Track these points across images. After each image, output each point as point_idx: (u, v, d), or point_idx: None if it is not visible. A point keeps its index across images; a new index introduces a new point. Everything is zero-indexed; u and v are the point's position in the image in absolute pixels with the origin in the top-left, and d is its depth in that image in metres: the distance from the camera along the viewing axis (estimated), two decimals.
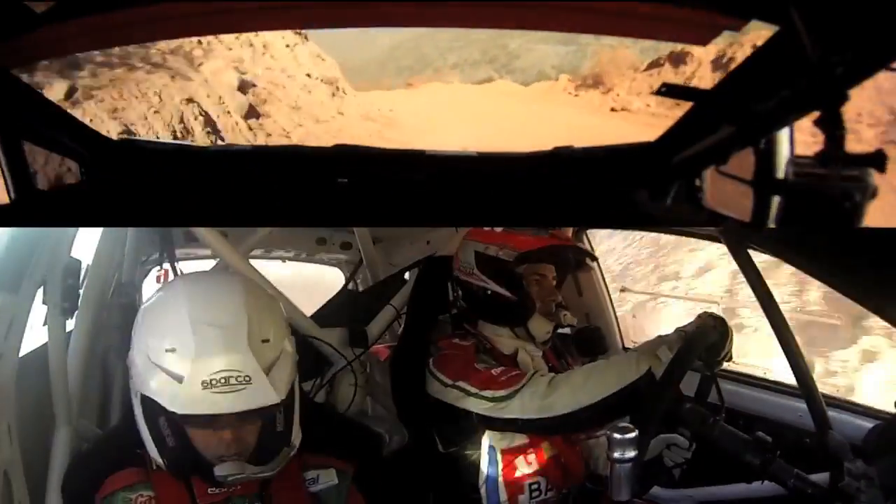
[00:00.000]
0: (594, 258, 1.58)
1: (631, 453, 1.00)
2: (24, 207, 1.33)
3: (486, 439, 1.34)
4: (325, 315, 1.70)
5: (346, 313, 1.70)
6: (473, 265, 1.43)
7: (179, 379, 0.92)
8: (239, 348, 0.94)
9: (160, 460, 1.00)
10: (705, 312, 1.22)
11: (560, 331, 1.58)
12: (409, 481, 1.55)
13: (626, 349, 2.09)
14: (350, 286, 2.63)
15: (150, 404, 0.97)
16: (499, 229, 1.44)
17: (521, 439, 1.34)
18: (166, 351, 0.95)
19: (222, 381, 0.91)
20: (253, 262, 1.79)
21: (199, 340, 0.93)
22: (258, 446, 1.01)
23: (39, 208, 1.35)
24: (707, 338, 1.15)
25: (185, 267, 1.90)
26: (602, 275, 2.10)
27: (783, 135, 1.05)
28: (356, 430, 1.35)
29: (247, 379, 0.92)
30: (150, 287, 2.09)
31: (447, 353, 1.39)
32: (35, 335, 1.31)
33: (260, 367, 0.94)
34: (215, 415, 0.93)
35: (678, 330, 1.17)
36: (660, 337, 1.18)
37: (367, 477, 1.21)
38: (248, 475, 0.98)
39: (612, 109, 14.42)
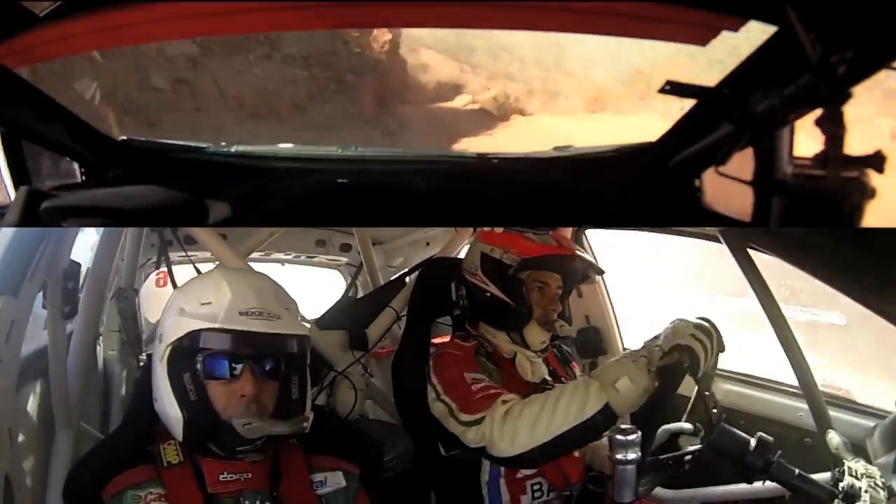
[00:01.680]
0: (600, 272, 1.53)
1: (633, 454, 1.00)
2: (24, 207, 1.32)
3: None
4: (325, 319, 1.70)
5: (346, 317, 1.70)
6: (478, 266, 1.43)
7: (216, 314, 1.01)
8: (269, 298, 1.06)
9: (179, 418, 1.01)
10: (680, 322, 1.12)
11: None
12: (412, 483, 1.55)
13: (625, 351, 2.09)
14: (353, 292, 2.64)
15: (179, 355, 1.02)
16: (499, 230, 1.43)
17: None
18: (202, 304, 1.03)
19: (257, 312, 1.02)
20: (252, 265, 1.79)
21: (234, 291, 1.04)
22: (276, 409, 1.06)
23: (39, 209, 1.34)
24: (677, 376, 1.08)
25: (184, 271, 1.90)
26: (602, 277, 2.09)
27: (783, 135, 1.05)
28: (358, 433, 1.35)
29: (277, 316, 1.04)
30: (148, 291, 2.09)
31: (446, 354, 1.38)
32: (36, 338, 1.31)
33: (289, 314, 1.06)
34: (252, 338, 1.00)
35: (647, 345, 1.11)
36: (625, 357, 1.11)
37: (370, 479, 1.20)
38: (266, 428, 1.01)
39: None
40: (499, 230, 1.44)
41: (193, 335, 1.00)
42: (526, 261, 1.37)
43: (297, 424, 1.05)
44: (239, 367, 1.02)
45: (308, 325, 1.13)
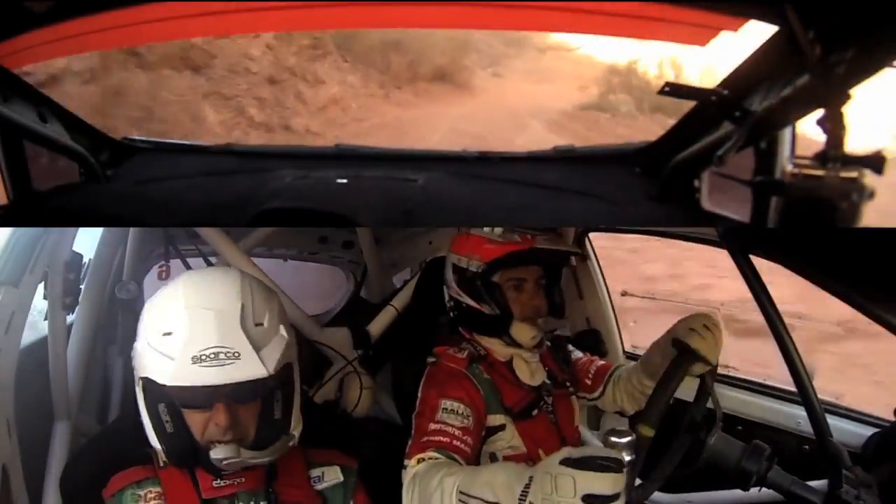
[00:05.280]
0: (576, 253, 1.50)
1: (628, 457, 0.99)
2: (24, 208, 1.34)
3: (486, 447, 1.33)
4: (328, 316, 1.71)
5: (351, 316, 1.71)
6: (452, 279, 1.43)
7: (172, 357, 0.94)
8: (230, 328, 0.96)
9: (160, 447, 1.00)
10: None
11: (559, 332, 1.57)
12: None
13: (626, 353, 2.07)
14: (355, 289, 2.65)
15: (149, 388, 0.99)
16: (465, 237, 1.40)
17: (520, 448, 1.33)
18: (163, 335, 0.97)
19: (211, 356, 0.93)
20: (254, 261, 1.81)
21: (192, 322, 0.96)
22: (256, 433, 1.02)
23: (39, 208, 1.36)
24: (677, 373, 1.11)
25: (192, 262, 1.92)
26: (604, 278, 2.08)
27: (784, 135, 1.04)
28: (356, 427, 1.35)
29: (236, 355, 0.93)
30: (151, 283, 2.11)
31: (439, 369, 1.36)
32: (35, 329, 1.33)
33: (251, 345, 0.95)
34: (205, 390, 0.93)
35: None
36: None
37: (369, 475, 1.21)
38: (243, 459, 0.98)
39: None
40: (465, 238, 1.41)
41: (153, 384, 0.95)
42: (490, 264, 1.36)
43: (282, 448, 1.02)
44: (210, 398, 0.97)
45: (284, 334, 1.02)
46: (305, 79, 7.29)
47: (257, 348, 0.95)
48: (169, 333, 0.96)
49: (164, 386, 0.94)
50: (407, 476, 1.13)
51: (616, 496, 0.79)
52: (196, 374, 0.92)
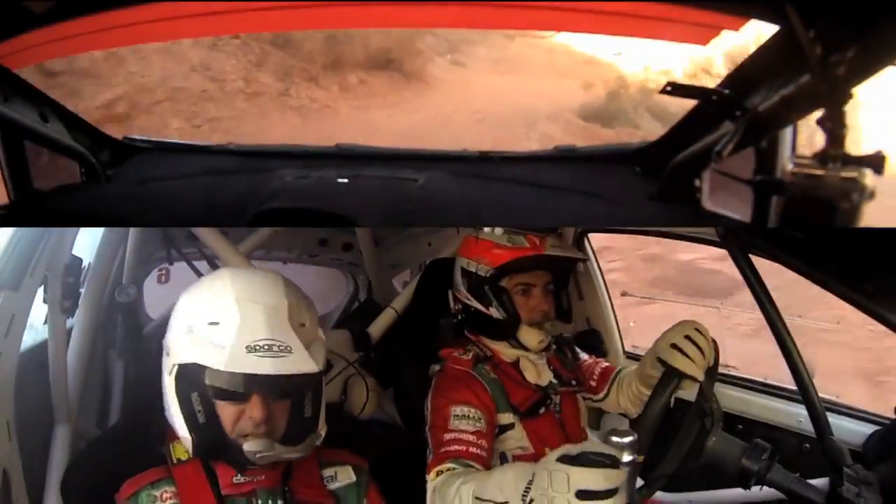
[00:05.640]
0: (583, 259, 1.51)
1: (629, 457, 0.99)
2: (24, 208, 1.34)
3: (497, 446, 1.32)
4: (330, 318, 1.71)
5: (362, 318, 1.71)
6: (461, 283, 1.43)
7: (223, 346, 0.95)
8: (281, 323, 0.99)
9: (188, 438, 1.00)
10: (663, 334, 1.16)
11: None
12: (420, 483, 1.55)
13: (626, 353, 2.08)
14: (354, 291, 2.65)
15: (186, 374, 0.99)
16: (474, 242, 1.41)
17: (529, 448, 1.33)
18: (210, 324, 0.98)
19: (266, 347, 0.95)
20: (253, 263, 1.80)
21: (243, 315, 0.98)
22: (287, 429, 1.03)
23: (39, 209, 1.36)
24: (665, 389, 1.09)
25: (186, 267, 1.91)
26: (603, 279, 2.09)
27: (784, 135, 1.04)
28: (366, 429, 1.35)
29: (288, 349, 0.96)
30: (150, 286, 2.10)
31: (445, 376, 1.37)
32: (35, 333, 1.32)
33: (300, 342, 0.98)
34: (256, 379, 0.95)
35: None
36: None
37: (379, 476, 1.21)
38: (277, 454, 0.99)
39: None
40: (473, 242, 1.42)
41: (199, 369, 0.96)
42: (499, 269, 1.36)
43: (310, 446, 1.04)
44: (249, 391, 0.99)
45: (322, 336, 1.06)
46: None
47: (306, 345, 0.99)
48: (216, 323, 0.98)
49: (216, 371, 0.95)
50: (428, 491, 1.15)
51: (610, 492, 0.79)
52: (251, 363, 0.93)
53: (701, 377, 1.16)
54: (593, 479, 0.79)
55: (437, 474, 1.14)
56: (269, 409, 0.99)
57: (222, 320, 0.98)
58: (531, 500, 0.84)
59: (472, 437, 1.20)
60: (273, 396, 1.00)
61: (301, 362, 0.96)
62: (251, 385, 0.97)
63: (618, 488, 0.80)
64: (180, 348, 1.00)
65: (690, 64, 8.23)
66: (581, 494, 0.79)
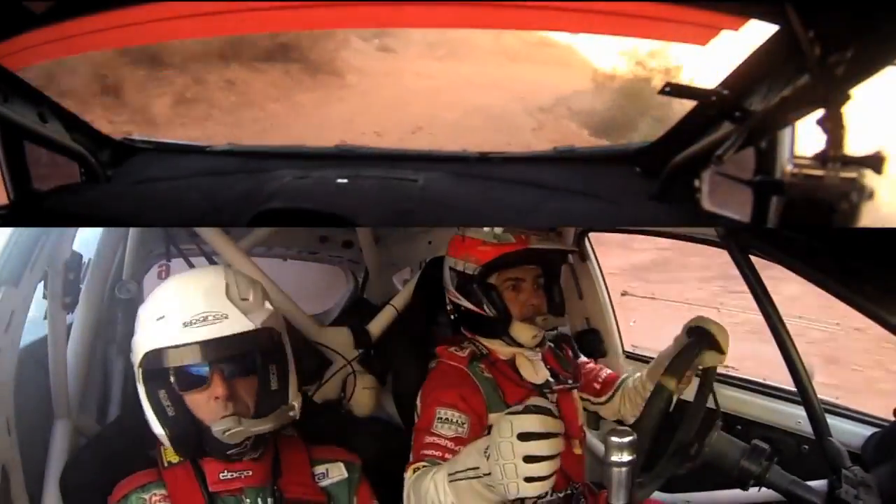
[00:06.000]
0: (572, 251, 1.52)
1: (628, 457, 0.99)
2: (24, 208, 1.34)
3: None
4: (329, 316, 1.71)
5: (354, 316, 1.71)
6: (450, 282, 1.43)
7: (166, 332, 1.00)
8: (217, 297, 1.02)
9: (164, 434, 1.02)
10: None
11: (560, 330, 1.56)
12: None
13: (625, 353, 2.07)
14: (354, 288, 2.65)
15: (151, 375, 1.02)
16: (460, 240, 1.41)
17: None
18: (157, 320, 1.02)
19: (201, 318, 0.98)
20: (254, 260, 1.81)
21: (181, 300, 1.02)
22: (256, 405, 1.04)
23: (39, 208, 1.36)
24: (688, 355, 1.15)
25: (195, 261, 1.92)
26: (603, 278, 2.08)
27: (784, 135, 1.04)
28: (360, 425, 1.36)
29: (224, 316, 0.99)
30: (150, 282, 2.10)
31: (438, 372, 1.37)
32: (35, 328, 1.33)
33: (238, 310, 1.01)
34: (196, 350, 0.97)
35: None
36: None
37: (370, 475, 1.22)
38: (245, 428, 1.00)
39: None
40: (460, 241, 1.42)
41: (151, 356, 1.00)
42: (486, 266, 1.36)
43: (281, 417, 1.04)
44: (205, 371, 1.01)
45: (270, 307, 1.08)
46: None
47: (244, 312, 1.01)
48: (162, 317, 1.01)
49: (160, 354, 0.98)
50: (405, 488, 1.17)
51: (548, 435, 0.89)
52: (187, 335, 0.97)
53: (725, 353, 1.22)
54: (530, 422, 0.89)
55: (414, 471, 1.17)
56: (231, 388, 1.01)
57: (166, 313, 1.01)
58: (489, 456, 0.93)
59: (450, 444, 1.22)
60: (229, 372, 1.01)
61: (237, 325, 0.98)
62: (196, 358, 0.99)
63: (557, 434, 0.90)
64: (136, 350, 1.03)
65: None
66: (522, 436, 0.88)
